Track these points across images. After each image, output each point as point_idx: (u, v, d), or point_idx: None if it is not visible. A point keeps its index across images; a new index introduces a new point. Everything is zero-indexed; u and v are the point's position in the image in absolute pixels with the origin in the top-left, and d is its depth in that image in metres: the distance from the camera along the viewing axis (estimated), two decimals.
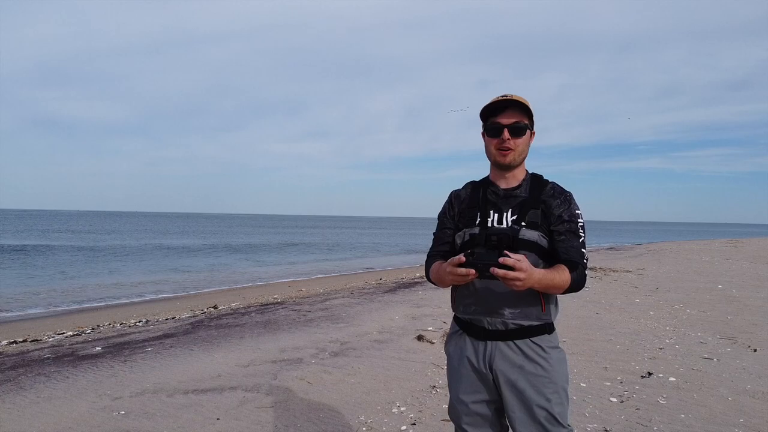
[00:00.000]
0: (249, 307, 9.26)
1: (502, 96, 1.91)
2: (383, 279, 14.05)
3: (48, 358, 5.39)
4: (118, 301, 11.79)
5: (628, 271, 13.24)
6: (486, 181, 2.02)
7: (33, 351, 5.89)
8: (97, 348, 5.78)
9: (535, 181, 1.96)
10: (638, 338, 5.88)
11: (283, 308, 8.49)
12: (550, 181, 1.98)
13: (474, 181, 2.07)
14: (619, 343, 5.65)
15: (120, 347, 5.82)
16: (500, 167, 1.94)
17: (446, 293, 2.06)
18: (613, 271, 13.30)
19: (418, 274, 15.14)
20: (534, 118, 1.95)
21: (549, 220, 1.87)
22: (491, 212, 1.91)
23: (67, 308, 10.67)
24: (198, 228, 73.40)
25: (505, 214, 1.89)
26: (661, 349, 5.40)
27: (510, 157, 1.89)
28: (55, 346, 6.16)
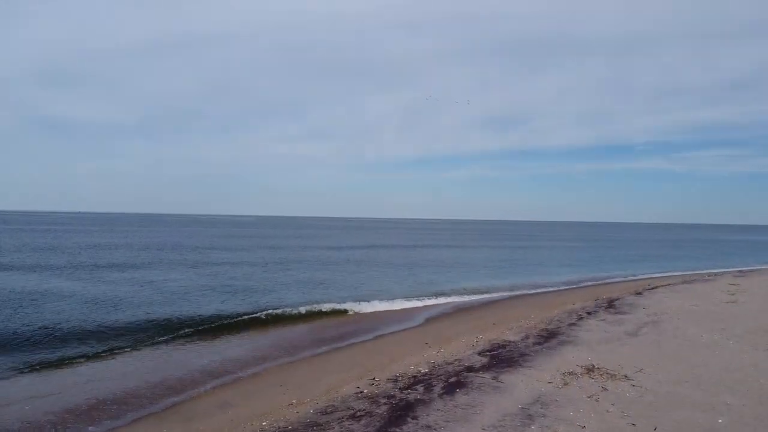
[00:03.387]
0: None
1: None
2: (377, 378, 13.73)
3: None
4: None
5: (625, 377, 12.95)
6: None
7: None
8: None
9: None
10: None
11: None
12: None
13: None
14: None
15: None
16: None
17: None
18: (610, 375, 13.00)
19: (413, 361, 14.78)
20: None
21: None
22: None
23: None
24: (202, 242, 71.43)
25: None
26: None
27: None
28: None
